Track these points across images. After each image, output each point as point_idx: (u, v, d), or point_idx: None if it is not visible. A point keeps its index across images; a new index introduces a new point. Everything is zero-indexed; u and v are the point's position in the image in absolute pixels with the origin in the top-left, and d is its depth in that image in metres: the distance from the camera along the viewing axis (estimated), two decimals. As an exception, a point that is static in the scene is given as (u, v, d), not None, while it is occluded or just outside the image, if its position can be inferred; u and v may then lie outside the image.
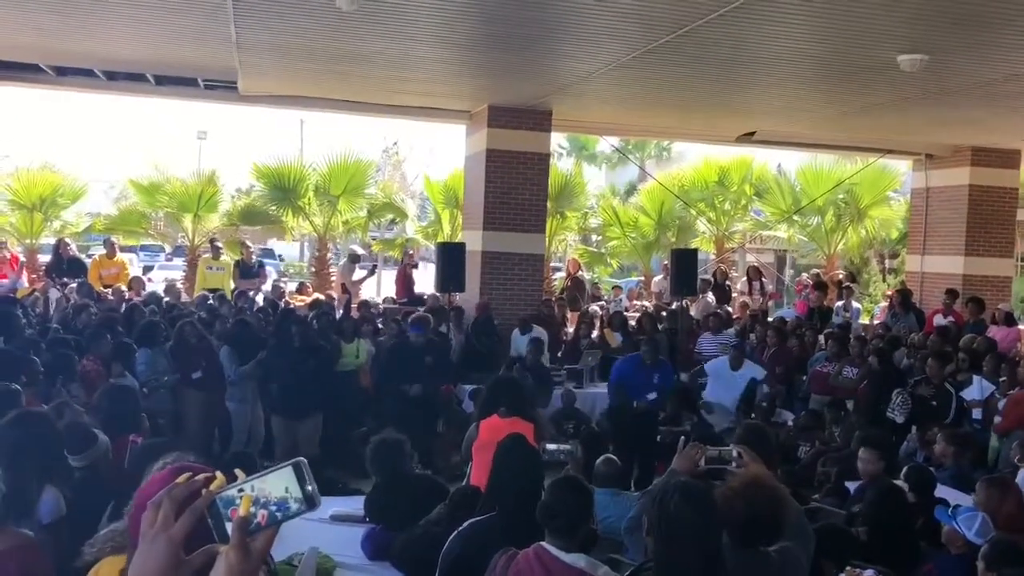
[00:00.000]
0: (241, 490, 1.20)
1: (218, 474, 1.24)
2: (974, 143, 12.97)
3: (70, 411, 4.93)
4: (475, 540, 3.39)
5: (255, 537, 1.18)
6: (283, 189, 15.69)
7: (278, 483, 1.21)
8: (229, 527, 1.19)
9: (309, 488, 1.21)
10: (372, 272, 15.09)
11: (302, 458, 1.24)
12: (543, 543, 2.96)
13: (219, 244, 13.76)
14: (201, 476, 1.24)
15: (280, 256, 27.77)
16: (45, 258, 14.20)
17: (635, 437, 7.61)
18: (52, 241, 13.93)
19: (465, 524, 3.54)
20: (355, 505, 4.93)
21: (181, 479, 1.24)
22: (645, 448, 7.57)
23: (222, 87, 11.12)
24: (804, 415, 8.21)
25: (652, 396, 8.00)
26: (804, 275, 16.62)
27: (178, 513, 1.19)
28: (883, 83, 8.68)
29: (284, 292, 12.58)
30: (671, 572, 2.49)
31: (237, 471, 1.24)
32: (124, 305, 9.96)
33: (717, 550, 2.51)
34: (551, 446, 4.44)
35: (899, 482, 5.08)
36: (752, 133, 12.71)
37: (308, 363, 7.71)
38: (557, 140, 28.93)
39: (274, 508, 1.20)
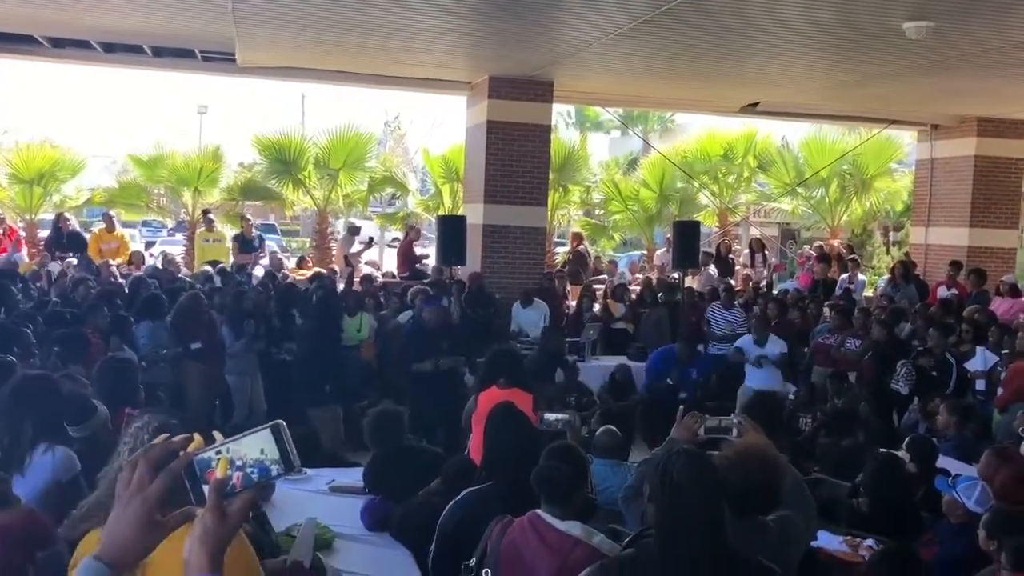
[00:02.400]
0: (219, 452, 1.19)
1: (196, 436, 1.22)
2: (980, 113, 12.83)
3: (70, 382, 4.90)
4: (474, 508, 3.38)
5: (231, 500, 1.17)
6: (283, 162, 15.60)
7: (255, 445, 1.19)
8: (206, 489, 1.16)
9: (287, 450, 1.18)
10: (370, 244, 15.00)
11: (280, 420, 1.21)
12: (537, 511, 2.93)
13: (212, 216, 13.71)
14: (179, 438, 1.22)
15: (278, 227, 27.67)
16: (45, 233, 14.16)
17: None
18: (52, 216, 13.87)
19: (464, 492, 3.53)
20: (354, 477, 4.93)
21: (158, 440, 1.21)
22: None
23: (220, 59, 10.99)
24: (806, 387, 8.20)
25: (684, 396, 8.07)
26: (807, 247, 16.54)
27: (154, 475, 1.17)
28: (888, 51, 8.55)
29: (282, 263, 12.50)
30: (674, 539, 2.46)
31: (215, 433, 1.22)
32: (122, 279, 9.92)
33: (721, 517, 2.48)
34: (550, 416, 4.41)
35: (901, 453, 5.07)
36: (755, 104, 12.58)
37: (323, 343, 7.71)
38: (564, 109, 28.60)
39: (250, 470, 1.18)
